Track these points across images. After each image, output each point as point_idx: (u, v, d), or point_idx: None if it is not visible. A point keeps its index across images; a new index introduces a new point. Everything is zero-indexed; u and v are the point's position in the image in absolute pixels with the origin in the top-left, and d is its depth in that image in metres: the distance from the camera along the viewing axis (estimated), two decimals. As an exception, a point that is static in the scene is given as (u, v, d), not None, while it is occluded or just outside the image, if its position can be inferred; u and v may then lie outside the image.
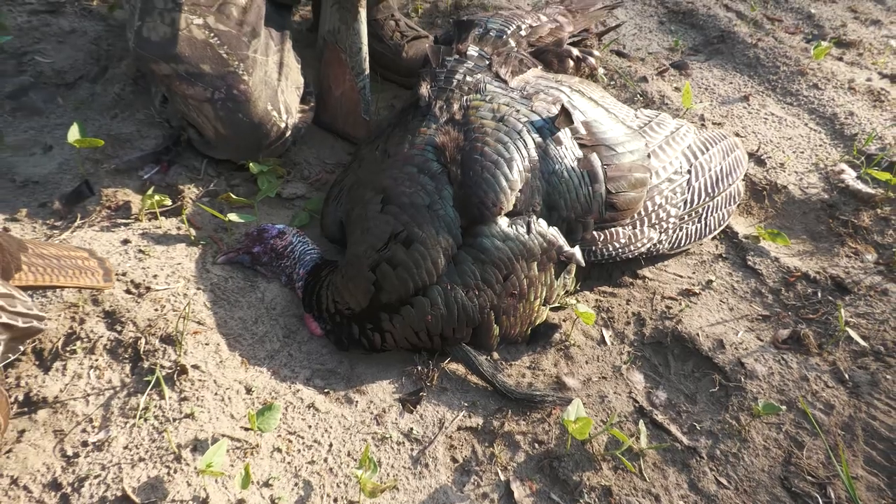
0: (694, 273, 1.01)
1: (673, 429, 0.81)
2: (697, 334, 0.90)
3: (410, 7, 1.43)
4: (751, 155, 1.19)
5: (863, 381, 0.85)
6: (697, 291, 0.98)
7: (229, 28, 0.98)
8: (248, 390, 0.79)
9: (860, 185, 1.14)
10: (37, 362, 0.76)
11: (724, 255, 1.04)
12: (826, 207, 1.12)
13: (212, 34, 0.97)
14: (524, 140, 0.88)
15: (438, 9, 1.44)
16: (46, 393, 0.73)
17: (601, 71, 1.28)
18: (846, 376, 0.86)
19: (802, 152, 1.22)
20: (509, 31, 1.08)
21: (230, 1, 0.99)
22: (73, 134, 0.96)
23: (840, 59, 1.45)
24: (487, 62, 1.00)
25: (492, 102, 0.92)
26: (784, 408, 0.81)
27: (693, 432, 0.80)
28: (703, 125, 1.23)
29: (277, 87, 1.02)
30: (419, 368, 0.84)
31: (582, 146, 0.92)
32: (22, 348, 0.70)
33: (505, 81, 0.97)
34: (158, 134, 1.08)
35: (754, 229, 1.08)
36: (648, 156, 0.98)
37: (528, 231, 0.86)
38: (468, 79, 0.96)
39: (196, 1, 0.97)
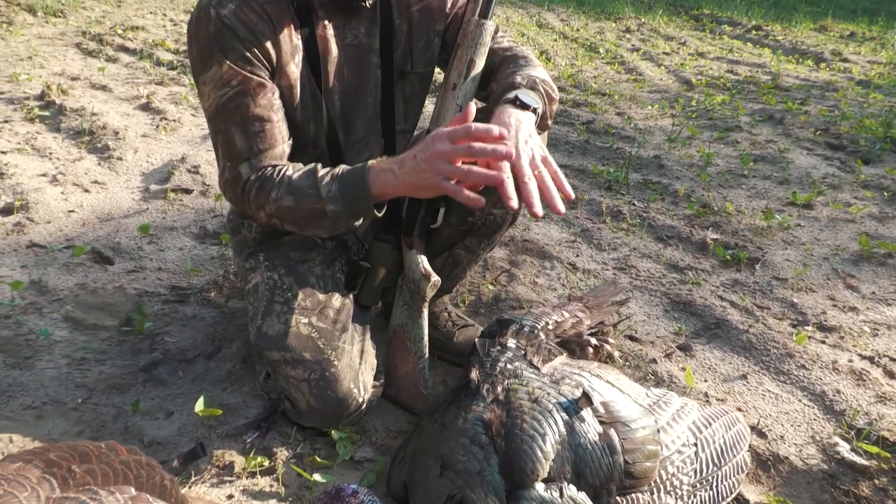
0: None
1: None
2: None
3: (458, 298, 1.78)
4: (753, 428, 1.38)
5: None
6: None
7: (326, 325, 1.30)
8: None
9: (855, 457, 1.30)
10: None
11: (737, 522, 1.17)
12: (827, 477, 1.27)
13: (314, 330, 1.28)
14: (554, 418, 1.11)
15: (481, 300, 1.79)
16: None
17: (617, 354, 1.55)
18: None
19: (799, 426, 1.40)
20: (539, 326, 1.38)
21: (328, 305, 1.33)
22: (199, 405, 1.24)
23: (823, 342, 1.70)
24: (523, 352, 1.28)
25: (527, 386, 1.17)
26: None
27: None
28: (707, 401, 1.45)
29: (359, 369, 1.31)
30: None
31: (602, 422, 1.14)
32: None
33: (537, 368, 1.24)
34: (260, 404, 1.35)
35: (764, 497, 1.22)
36: (658, 430, 1.19)
37: (561, 495, 1.04)
38: (508, 366, 1.23)
39: (304, 305, 1.31)
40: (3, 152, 2.64)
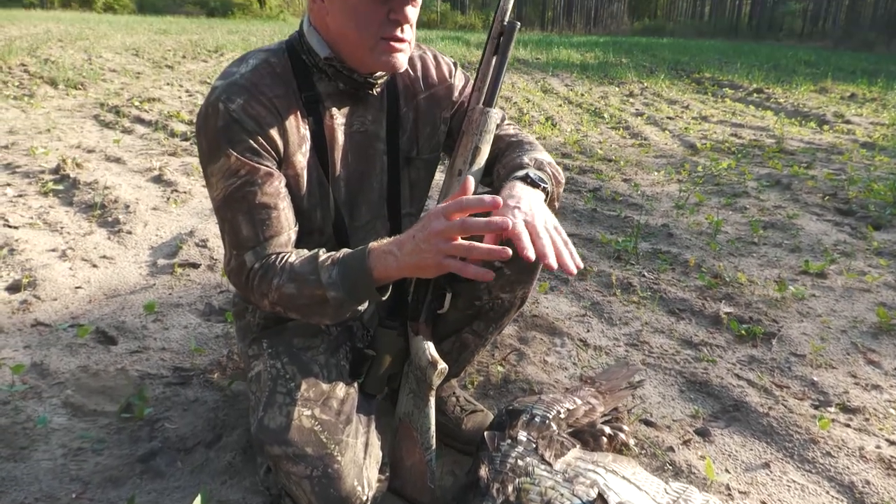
0: None
1: None
2: None
3: (466, 380, 1.74)
4: (780, 524, 1.30)
5: None
6: None
7: (330, 417, 1.25)
8: None
9: (891, 559, 1.22)
10: None
11: None
12: (863, 582, 1.18)
13: (316, 423, 1.24)
14: (568, 523, 1.05)
15: (490, 381, 1.74)
16: None
17: (632, 442, 1.48)
18: None
19: (829, 522, 1.32)
20: (551, 416, 1.33)
21: (332, 395, 1.29)
22: (198, 503, 1.18)
23: (848, 425, 1.63)
24: (534, 446, 1.22)
25: (539, 486, 1.11)
26: None
27: None
28: (729, 494, 1.37)
29: (363, 464, 1.25)
30: None
31: (619, 526, 1.08)
32: None
33: (550, 464, 1.18)
34: (261, 501, 1.29)
35: None
36: (679, 533, 1.12)
37: None
38: (519, 462, 1.17)
39: (307, 396, 1.27)
40: (15, 227, 2.67)
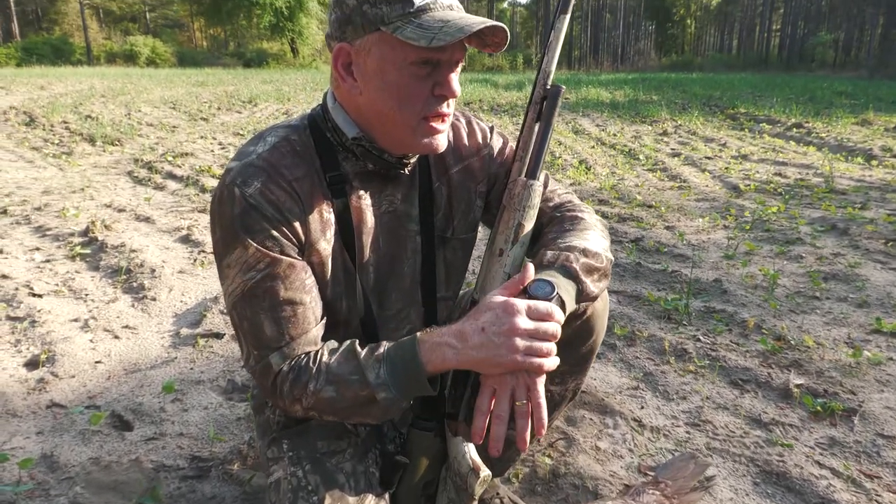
0: None
1: None
2: None
3: (511, 473, 1.55)
4: None
5: None
6: None
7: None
8: None
9: None
10: None
11: None
12: None
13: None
14: None
15: (537, 474, 1.56)
16: None
17: (707, 558, 1.28)
18: None
19: None
20: (613, 534, 1.14)
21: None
22: None
23: (960, 529, 1.39)
24: (596, 577, 1.04)
25: None
26: None
27: None
28: None
29: None
30: None
31: None
32: None
33: None
34: None
35: None
36: None
37: None
38: None
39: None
40: (39, 296, 2.61)
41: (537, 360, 0.95)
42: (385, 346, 1.03)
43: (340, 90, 1.07)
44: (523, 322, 0.94)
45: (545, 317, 0.96)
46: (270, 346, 1.05)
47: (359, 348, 1.04)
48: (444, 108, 1.03)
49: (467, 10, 1.09)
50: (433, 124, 1.03)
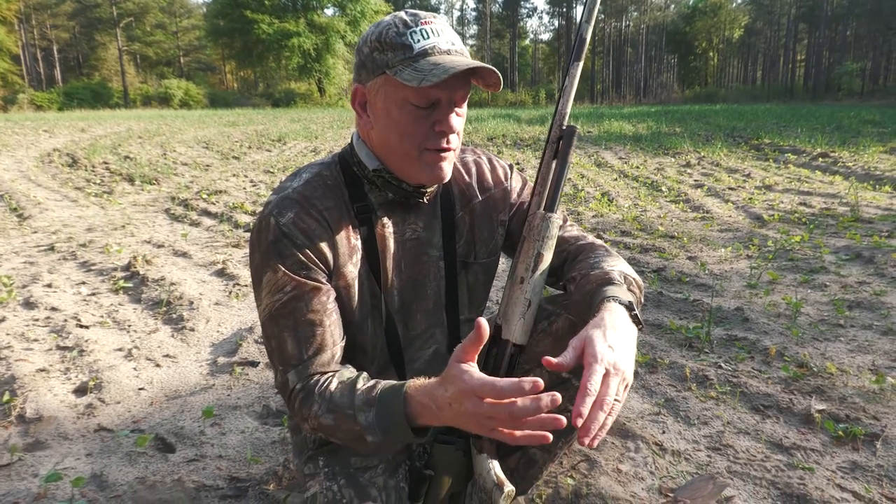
0: None
1: None
2: None
3: (534, 493, 1.61)
4: None
5: None
6: None
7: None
8: None
9: None
10: None
11: None
12: None
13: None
14: None
15: (560, 495, 1.61)
16: None
17: (726, 575, 1.31)
18: None
19: None
20: (632, 547, 1.19)
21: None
22: None
23: (983, 552, 1.40)
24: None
25: None
26: None
27: None
28: None
29: None
30: None
31: None
32: None
33: None
34: None
35: None
36: None
37: None
38: None
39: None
40: (86, 327, 2.75)
41: (507, 434, 0.92)
42: (380, 388, 1.07)
43: (360, 126, 1.20)
44: (475, 408, 0.91)
45: (506, 396, 0.89)
46: (290, 363, 1.15)
47: (360, 383, 1.10)
48: (444, 143, 1.13)
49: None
50: (434, 155, 1.13)
